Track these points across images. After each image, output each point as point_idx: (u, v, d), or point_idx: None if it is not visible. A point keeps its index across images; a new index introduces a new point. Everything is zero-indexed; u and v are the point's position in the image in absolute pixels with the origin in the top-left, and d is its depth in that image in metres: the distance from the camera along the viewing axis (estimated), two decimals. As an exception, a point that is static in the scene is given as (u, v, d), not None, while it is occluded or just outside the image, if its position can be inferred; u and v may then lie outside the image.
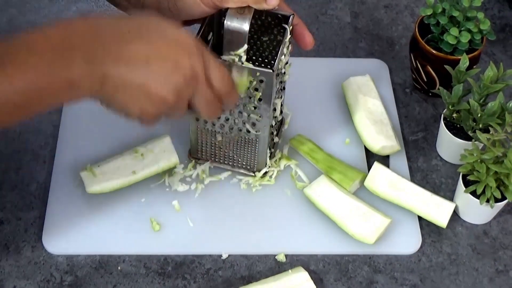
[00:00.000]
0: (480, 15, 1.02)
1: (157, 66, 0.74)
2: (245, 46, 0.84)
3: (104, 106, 0.77)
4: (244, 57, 0.86)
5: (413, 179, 1.02)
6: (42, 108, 0.75)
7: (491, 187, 0.91)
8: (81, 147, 1.03)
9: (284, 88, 0.97)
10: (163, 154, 0.99)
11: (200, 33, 0.88)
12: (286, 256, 0.94)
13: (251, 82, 0.86)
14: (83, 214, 0.96)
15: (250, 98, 0.89)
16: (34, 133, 1.05)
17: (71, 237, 0.94)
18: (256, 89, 0.88)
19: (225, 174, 1.00)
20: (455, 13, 1.02)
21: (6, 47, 0.71)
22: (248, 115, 0.91)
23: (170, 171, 1.00)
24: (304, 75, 1.11)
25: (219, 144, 0.97)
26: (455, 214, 0.99)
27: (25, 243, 0.95)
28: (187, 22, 0.92)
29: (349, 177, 0.99)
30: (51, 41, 0.72)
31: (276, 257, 0.94)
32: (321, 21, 1.23)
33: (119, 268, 0.93)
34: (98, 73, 0.73)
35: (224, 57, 0.86)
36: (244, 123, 0.93)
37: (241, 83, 0.85)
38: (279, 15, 0.90)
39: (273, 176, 1.00)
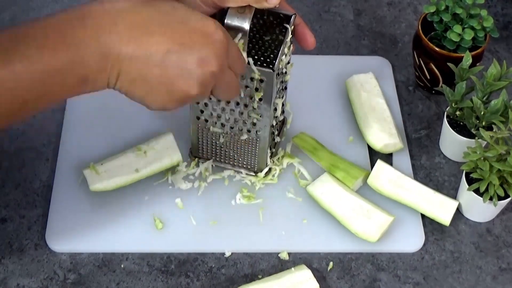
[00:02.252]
0: (484, 13, 1.02)
1: (179, 59, 0.69)
2: (239, 35, 0.83)
3: (126, 96, 0.73)
4: (241, 44, 0.83)
5: (416, 177, 1.02)
6: (52, 102, 0.71)
7: (494, 185, 0.91)
8: (84, 145, 1.03)
9: (285, 88, 0.97)
10: (166, 151, 0.99)
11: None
12: (289, 254, 0.94)
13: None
14: (86, 212, 0.96)
15: (250, 98, 0.89)
16: (37, 131, 1.06)
17: (74, 235, 0.94)
18: (257, 89, 0.88)
19: (228, 172, 1.00)
20: (459, 11, 1.02)
21: (13, 38, 0.67)
22: (249, 115, 0.91)
23: (173, 169, 1.00)
24: (307, 73, 1.11)
25: (220, 143, 0.97)
26: (458, 212, 0.99)
27: (28, 241, 0.95)
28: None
29: (352, 175, 0.99)
30: (63, 31, 0.67)
31: (279, 255, 0.94)
32: (324, 18, 1.23)
33: (122, 266, 0.93)
34: (114, 67, 0.69)
35: None
36: (245, 123, 0.93)
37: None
38: (281, 15, 0.90)
39: (276, 175, 1.00)
